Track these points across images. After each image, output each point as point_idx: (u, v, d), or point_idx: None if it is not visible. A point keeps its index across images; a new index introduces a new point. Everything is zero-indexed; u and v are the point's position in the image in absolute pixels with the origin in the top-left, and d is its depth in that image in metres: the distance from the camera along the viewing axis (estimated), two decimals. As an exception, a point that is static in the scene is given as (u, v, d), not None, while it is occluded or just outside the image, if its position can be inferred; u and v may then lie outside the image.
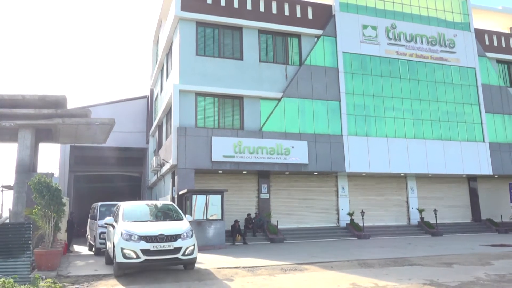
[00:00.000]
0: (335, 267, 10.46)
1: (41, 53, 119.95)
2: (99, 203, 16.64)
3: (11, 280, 7.83)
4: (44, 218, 11.03)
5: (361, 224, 20.16)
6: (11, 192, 16.10)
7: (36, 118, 14.99)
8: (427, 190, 23.45)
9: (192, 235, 9.39)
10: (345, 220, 20.97)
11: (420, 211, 22.21)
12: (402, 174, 22.24)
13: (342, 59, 21.47)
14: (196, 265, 10.86)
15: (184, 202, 17.12)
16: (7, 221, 11.53)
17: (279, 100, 20.03)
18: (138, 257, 8.63)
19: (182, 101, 18.54)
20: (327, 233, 19.85)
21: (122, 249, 8.71)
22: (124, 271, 9.17)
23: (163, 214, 10.80)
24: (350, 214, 20.63)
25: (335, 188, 21.66)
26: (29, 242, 9.56)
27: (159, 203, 11.32)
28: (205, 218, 16.17)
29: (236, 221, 18.12)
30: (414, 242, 16.85)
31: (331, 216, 21.31)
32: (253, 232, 18.77)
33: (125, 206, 10.53)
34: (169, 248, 8.84)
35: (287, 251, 14.33)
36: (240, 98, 19.64)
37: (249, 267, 10.65)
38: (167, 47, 22.17)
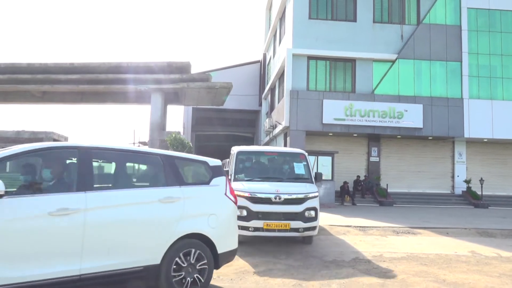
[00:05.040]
0: (451, 233, 10.38)
1: (160, 20, 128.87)
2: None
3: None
4: (177, 171, 12.65)
5: (479, 193, 19.12)
6: (146, 147, 18.51)
7: (165, 82, 16.74)
8: (561, 160, 21.09)
9: None
10: (460, 187, 20.04)
11: (551, 182, 20.20)
12: (531, 142, 20.27)
13: (466, 16, 19.78)
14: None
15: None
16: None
17: (393, 62, 19.40)
18: None
19: (295, 64, 19.03)
20: (440, 200, 19.26)
21: None
22: None
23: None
24: (467, 182, 19.63)
25: (451, 153, 20.66)
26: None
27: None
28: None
29: (345, 182, 18.55)
30: (541, 215, 15.59)
31: (445, 183, 20.52)
32: (361, 194, 19.05)
33: None
34: None
35: (398, 214, 14.40)
36: (352, 60, 19.46)
37: (360, 226, 11.06)
38: (280, 11, 22.58)
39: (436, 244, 8.98)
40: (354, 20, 19.50)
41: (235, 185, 7.82)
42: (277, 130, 21.22)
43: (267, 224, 7.46)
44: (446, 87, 19.57)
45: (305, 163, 8.70)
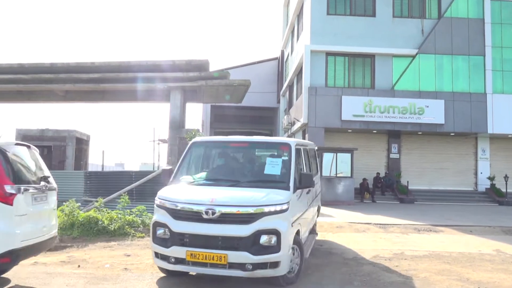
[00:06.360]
0: (474, 231, 10.18)
1: (179, 19, 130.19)
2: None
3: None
4: (196, 169, 12.73)
5: (503, 190, 18.65)
6: (165, 145, 18.73)
7: (184, 80, 16.83)
8: None
9: None
10: (484, 184, 19.60)
11: None
12: (559, 137, 19.65)
13: (489, 8, 19.28)
14: (329, 219, 11.61)
15: (314, 160, 17.88)
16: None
17: (413, 57, 19.08)
18: None
19: (313, 61, 18.90)
20: (463, 197, 18.86)
21: None
22: None
23: None
24: (491, 179, 19.18)
25: (474, 150, 20.22)
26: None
27: None
28: (333, 175, 16.73)
29: (364, 179, 18.37)
30: None
31: (467, 180, 20.09)
32: (381, 191, 18.84)
33: None
34: None
35: (419, 212, 14.20)
36: (371, 56, 19.21)
37: (380, 224, 10.97)
38: (298, 8, 22.45)
39: (459, 242, 8.82)
40: (373, 15, 19.22)
41: (164, 190, 5.57)
42: (295, 127, 21.15)
43: (191, 254, 4.83)
44: (469, 82, 19.15)
45: (286, 158, 5.74)
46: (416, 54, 19.03)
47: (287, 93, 25.56)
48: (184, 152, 6.17)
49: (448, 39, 19.13)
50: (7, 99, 16.40)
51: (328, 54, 19.11)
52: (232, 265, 4.76)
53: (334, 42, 18.87)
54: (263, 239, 4.81)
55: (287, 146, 5.90)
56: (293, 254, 5.24)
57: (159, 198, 5.36)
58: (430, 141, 20.18)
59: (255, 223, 4.83)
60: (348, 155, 16.94)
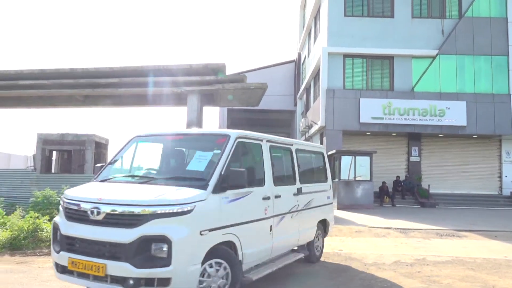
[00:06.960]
0: (499, 237, 9.84)
1: (196, 22, 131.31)
2: None
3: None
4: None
5: (529, 194, 18.12)
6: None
7: (201, 84, 16.83)
8: None
9: None
10: (509, 188, 19.06)
11: None
12: None
13: (512, 7, 18.84)
14: (348, 223, 11.41)
15: (332, 163, 17.67)
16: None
17: (433, 58, 18.73)
18: None
19: (330, 63, 18.74)
20: (486, 201, 18.37)
21: None
22: None
23: None
24: (516, 182, 18.65)
25: (498, 153, 19.68)
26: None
27: None
28: (352, 178, 16.49)
29: (384, 183, 18.06)
30: None
31: (491, 183, 19.56)
32: (401, 195, 18.49)
33: None
34: None
35: (441, 216, 13.85)
36: (389, 58, 18.94)
37: (401, 228, 10.73)
38: (315, 10, 22.35)
39: (484, 248, 8.52)
40: (392, 16, 18.98)
41: (73, 188, 4.89)
42: (313, 130, 20.98)
43: (72, 262, 4.10)
44: (492, 82, 18.68)
45: (218, 151, 4.69)
46: (437, 55, 18.68)
47: (304, 95, 25.40)
48: (121, 147, 5.53)
49: (469, 39, 18.72)
50: (28, 104, 16.71)
51: (346, 56, 18.92)
52: (114, 279, 3.88)
53: (351, 44, 18.69)
54: (155, 248, 3.85)
55: (223, 138, 4.84)
56: (218, 271, 4.25)
57: (63, 197, 4.66)
58: (451, 143, 19.74)
59: (141, 227, 3.88)
60: (367, 158, 16.68)
